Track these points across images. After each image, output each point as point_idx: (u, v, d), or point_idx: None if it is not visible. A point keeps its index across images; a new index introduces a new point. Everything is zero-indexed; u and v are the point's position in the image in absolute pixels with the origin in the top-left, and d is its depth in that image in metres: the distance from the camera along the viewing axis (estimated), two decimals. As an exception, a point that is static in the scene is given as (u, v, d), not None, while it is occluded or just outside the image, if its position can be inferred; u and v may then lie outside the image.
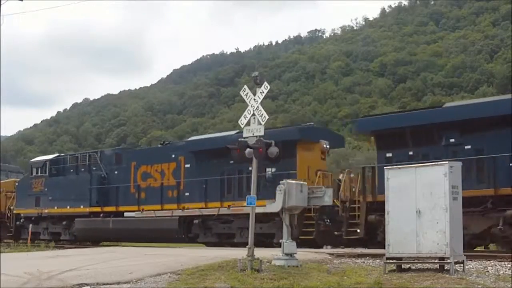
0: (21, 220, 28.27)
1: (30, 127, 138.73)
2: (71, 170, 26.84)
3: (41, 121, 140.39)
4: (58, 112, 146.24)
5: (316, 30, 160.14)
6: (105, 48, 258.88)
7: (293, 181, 12.28)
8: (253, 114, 11.55)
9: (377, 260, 12.41)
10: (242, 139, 11.87)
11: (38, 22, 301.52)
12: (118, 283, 9.46)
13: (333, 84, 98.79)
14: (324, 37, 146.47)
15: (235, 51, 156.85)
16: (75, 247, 22.73)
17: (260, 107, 11.48)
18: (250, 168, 19.22)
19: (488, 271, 10.44)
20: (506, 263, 11.41)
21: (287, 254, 11.59)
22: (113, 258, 13.41)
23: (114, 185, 24.69)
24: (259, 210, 12.35)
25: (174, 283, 9.66)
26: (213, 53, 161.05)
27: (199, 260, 12.10)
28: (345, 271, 10.93)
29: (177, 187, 22.27)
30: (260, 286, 9.41)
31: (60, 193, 26.54)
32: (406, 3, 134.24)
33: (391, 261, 10.58)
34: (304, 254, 13.14)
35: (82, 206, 25.46)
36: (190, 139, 24.26)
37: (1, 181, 31.21)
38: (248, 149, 11.56)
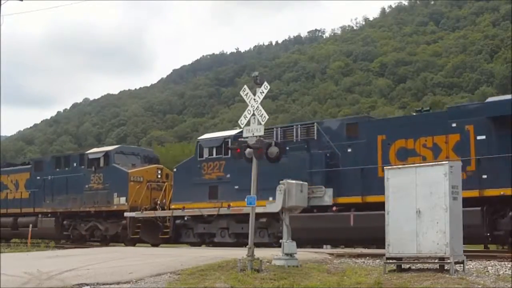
0: (185, 218, 21.46)
1: (30, 127, 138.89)
2: None
3: (41, 121, 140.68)
4: (58, 112, 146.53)
5: (316, 30, 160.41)
6: (105, 48, 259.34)
7: (293, 181, 12.27)
8: (253, 114, 11.55)
9: (377, 260, 12.42)
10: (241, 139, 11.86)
11: (38, 22, 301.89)
12: (118, 283, 9.46)
13: (333, 84, 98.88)
14: (324, 37, 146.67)
15: (235, 51, 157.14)
16: (75, 247, 22.71)
17: (260, 107, 11.48)
18: None
19: (488, 271, 10.45)
20: (506, 263, 11.42)
21: (287, 254, 11.59)
22: (113, 258, 13.41)
23: (352, 168, 17.98)
24: (259, 210, 12.34)
25: (174, 283, 9.66)
26: (213, 53, 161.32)
27: (199, 260, 12.10)
28: (345, 271, 10.93)
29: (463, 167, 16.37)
30: (260, 286, 9.41)
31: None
32: (406, 3, 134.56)
33: (391, 261, 10.57)
34: (304, 254, 13.14)
35: None
36: (488, 100, 17.53)
37: (141, 168, 24.64)
38: (248, 149, 11.56)
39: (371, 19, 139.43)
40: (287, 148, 18.97)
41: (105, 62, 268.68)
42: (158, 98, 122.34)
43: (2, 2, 21.11)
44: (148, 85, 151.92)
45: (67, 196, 25.82)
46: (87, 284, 9.21)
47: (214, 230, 20.99)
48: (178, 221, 21.64)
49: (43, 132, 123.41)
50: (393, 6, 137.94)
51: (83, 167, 25.48)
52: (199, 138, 22.79)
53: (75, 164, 26.13)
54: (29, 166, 29.34)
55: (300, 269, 11.13)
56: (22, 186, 28.55)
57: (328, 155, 18.54)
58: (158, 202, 22.94)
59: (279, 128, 20.01)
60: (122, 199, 23.70)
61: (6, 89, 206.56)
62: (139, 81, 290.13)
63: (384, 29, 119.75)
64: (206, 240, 21.40)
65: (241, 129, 21.05)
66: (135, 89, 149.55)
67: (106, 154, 24.90)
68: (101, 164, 24.69)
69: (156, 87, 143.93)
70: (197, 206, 20.87)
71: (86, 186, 24.96)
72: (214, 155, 21.02)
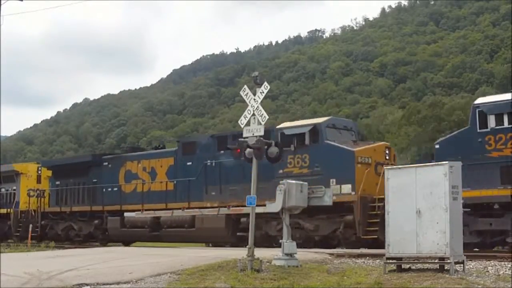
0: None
1: (30, 127, 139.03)
2: None
3: (41, 121, 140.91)
4: (58, 112, 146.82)
5: (316, 30, 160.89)
6: (105, 48, 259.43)
7: (293, 181, 12.26)
8: (253, 114, 11.55)
9: (377, 260, 12.41)
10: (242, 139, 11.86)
11: (38, 21, 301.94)
12: (118, 283, 9.46)
13: (333, 84, 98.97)
14: (324, 37, 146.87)
15: (235, 51, 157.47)
16: (75, 247, 22.68)
17: (260, 107, 11.48)
18: None
19: (488, 271, 10.44)
20: (506, 263, 11.40)
21: (287, 254, 11.58)
22: (113, 258, 13.41)
23: None
24: (259, 210, 12.32)
25: (174, 283, 9.66)
26: (213, 53, 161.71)
27: (199, 260, 12.09)
28: (345, 271, 10.92)
29: None
30: (260, 286, 9.42)
31: None
32: (406, 3, 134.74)
33: (391, 261, 10.57)
34: (304, 254, 13.14)
35: None
36: None
37: (367, 147, 18.88)
38: (248, 149, 11.56)
39: (371, 19, 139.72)
40: None
41: (105, 62, 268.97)
42: (158, 98, 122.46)
43: (2, 2, 21.09)
44: (148, 85, 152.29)
45: (245, 185, 18.52)
46: (87, 284, 9.21)
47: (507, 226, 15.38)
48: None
49: (43, 132, 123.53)
50: (393, 6, 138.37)
51: (266, 147, 20.20)
52: (475, 102, 17.12)
53: None
54: (172, 149, 23.53)
55: (300, 269, 11.13)
56: (163, 175, 22.45)
57: None
58: None
59: None
60: (346, 187, 17.83)
61: (6, 89, 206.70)
62: (139, 81, 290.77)
63: (384, 29, 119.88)
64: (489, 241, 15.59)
65: None
66: (135, 89, 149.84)
67: (315, 129, 18.68)
68: (307, 141, 18.57)
69: (156, 87, 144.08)
70: (480, 194, 15.42)
71: (280, 171, 18.71)
72: (506, 125, 15.67)
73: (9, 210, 28.36)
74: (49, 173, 28.15)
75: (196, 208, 19.88)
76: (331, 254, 13.98)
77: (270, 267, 11.15)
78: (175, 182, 21.81)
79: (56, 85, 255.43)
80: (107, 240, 24.21)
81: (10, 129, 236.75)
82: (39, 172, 28.94)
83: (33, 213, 27.10)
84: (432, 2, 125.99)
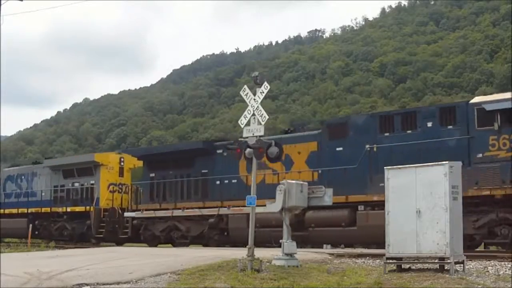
0: None
1: (30, 127, 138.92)
2: None
3: (41, 121, 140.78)
4: (58, 112, 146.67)
5: (316, 30, 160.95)
6: (105, 47, 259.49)
7: (293, 181, 12.25)
8: (253, 114, 11.54)
9: (377, 260, 12.41)
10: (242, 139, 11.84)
11: (39, 21, 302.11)
12: (118, 283, 9.45)
13: (333, 84, 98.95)
14: (324, 37, 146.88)
15: (235, 51, 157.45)
16: (75, 247, 22.68)
17: (260, 107, 11.47)
18: None
19: (488, 271, 10.44)
20: (506, 263, 11.41)
21: (287, 254, 11.58)
22: (113, 258, 13.40)
23: None
24: (259, 210, 12.31)
25: (174, 283, 9.66)
26: (213, 53, 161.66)
27: (199, 260, 12.09)
28: (345, 271, 10.92)
29: None
30: (260, 286, 9.41)
31: None
32: (406, 3, 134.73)
33: (391, 261, 10.57)
34: (304, 254, 13.14)
35: None
36: None
37: None
38: (248, 149, 11.56)
39: (371, 19, 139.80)
40: None
41: (105, 62, 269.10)
42: (158, 98, 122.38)
43: (2, 2, 21.05)
44: (148, 85, 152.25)
45: None
46: (87, 284, 9.20)
47: None
48: None
49: (43, 132, 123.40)
50: (393, 6, 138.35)
51: (451, 126, 16.34)
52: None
53: (429, 124, 16.80)
54: (313, 132, 19.76)
55: (300, 269, 11.13)
56: (302, 163, 19.01)
57: None
58: None
59: None
60: None
61: (6, 89, 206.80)
62: (139, 81, 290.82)
63: (384, 29, 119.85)
64: None
65: None
66: (135, 89, 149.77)
67: None
68: None
69: (156, 87, 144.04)
70: None
71: (479, 155, 15.51)
72: None
73: (88, 208, 24.93)
74: (132, 165, 25.07)
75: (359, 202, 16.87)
76: (331, 254, 13.99)
77: (270, 267, 11.15)
78: (319, 171, 18.27)
79: (56, 85, 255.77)
80: (224, 242, 20.70)
81: (10, 129, 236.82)
82: (122, 163, 25.34)
83: (119, 211, 23.89)
84: (432, 2, 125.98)
